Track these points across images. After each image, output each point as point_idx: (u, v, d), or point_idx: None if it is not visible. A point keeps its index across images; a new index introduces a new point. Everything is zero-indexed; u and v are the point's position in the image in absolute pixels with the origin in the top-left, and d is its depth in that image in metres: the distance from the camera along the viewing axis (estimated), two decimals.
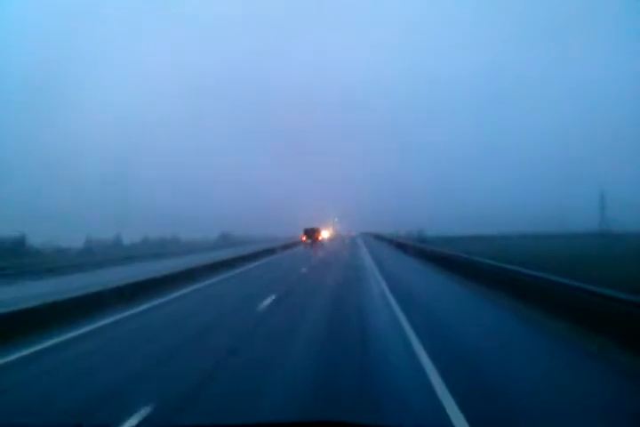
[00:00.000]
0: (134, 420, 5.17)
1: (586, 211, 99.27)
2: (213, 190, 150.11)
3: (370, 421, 4.36)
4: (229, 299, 15.89)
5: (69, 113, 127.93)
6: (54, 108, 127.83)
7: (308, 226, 63.45)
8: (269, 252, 41.82)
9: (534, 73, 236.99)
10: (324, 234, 70.14)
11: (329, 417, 2.59)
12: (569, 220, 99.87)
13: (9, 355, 8.47)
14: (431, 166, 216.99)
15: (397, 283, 17.73)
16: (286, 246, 53.47)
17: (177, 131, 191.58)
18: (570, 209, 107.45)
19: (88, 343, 9.58)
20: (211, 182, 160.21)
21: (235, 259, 30.88)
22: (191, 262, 25.50)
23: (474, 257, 18.42)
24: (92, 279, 20.19)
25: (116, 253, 49.94)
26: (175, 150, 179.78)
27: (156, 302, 14.74)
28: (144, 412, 5.37)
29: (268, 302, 13.74)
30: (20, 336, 9.51)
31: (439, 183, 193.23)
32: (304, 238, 60.85)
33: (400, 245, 46.50)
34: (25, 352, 8.71)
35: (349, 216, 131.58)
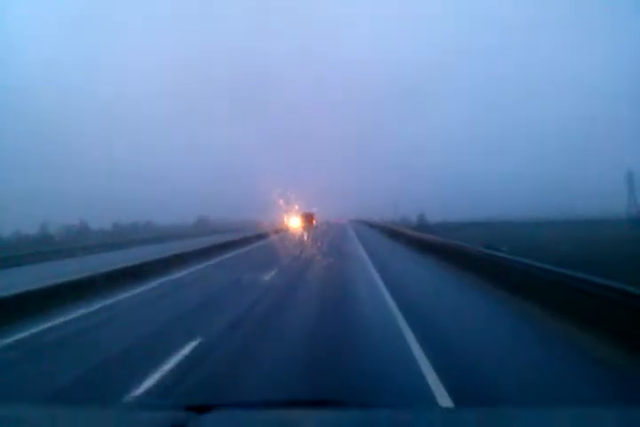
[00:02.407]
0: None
1: (593, 195, 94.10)
2: (191, 174, 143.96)
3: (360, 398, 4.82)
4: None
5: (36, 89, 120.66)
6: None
7: (296, 212, 63.66)
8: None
9: (543, 58, 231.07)
10: (293, 222, 60.80)
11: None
12: (577, 204, 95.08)
13: None
14: (429, 150, 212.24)
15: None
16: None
17: (149, 111, 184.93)
18: (577, 193, 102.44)
19: None
20: (188, 166, 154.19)
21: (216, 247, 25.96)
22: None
23: (521, 260, 11.45)
24: None
25: (72, 242, 43.40)
26: (149, 131, 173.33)
27: None
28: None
29: None
30: None
31: (438, 168, 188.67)
32: (298, 222, 62.21)
33: (397, 236, 33.99)
34: None
35: (340, 202, 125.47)
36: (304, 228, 58.49)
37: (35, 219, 60.65)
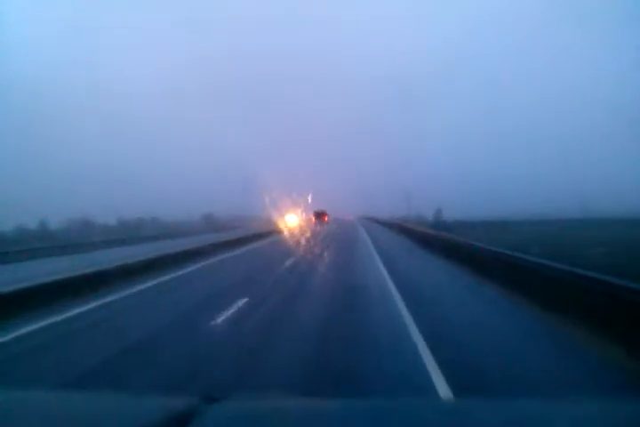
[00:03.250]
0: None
1: (607, 193, 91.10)
2: (198, 171, 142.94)
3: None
4: None
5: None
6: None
7: (306, 210, 67.28)
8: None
9: (546, 58, 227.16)
10: (293, 219, 59.46)
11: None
12: (591, 203, 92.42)
13: None
14: (440, 146, 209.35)
15: None
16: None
17: (155, 108, 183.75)
18: (590, 191, 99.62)
19: None
20: (195, 162, 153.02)
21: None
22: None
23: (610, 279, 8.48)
24: None
25: (76, 238, 41.84)
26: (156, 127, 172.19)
27: None
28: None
29: None
30: None
31: (450, 164, 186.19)
32: (313, 219, 69.09)
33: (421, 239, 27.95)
34: None
35: (350, 199, 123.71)
36: (316, 223, 65.35)
37: (36, 214, 59.41)
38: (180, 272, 17.59)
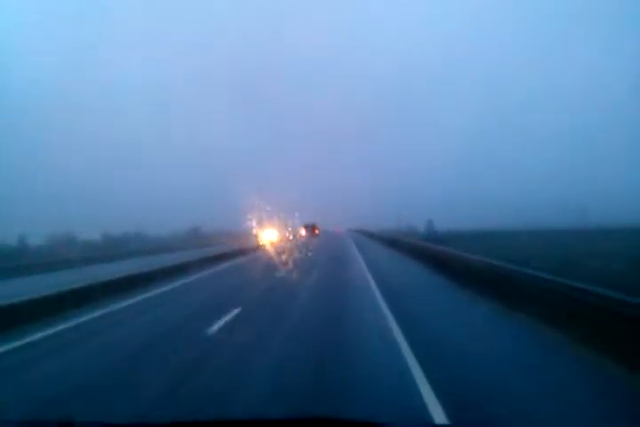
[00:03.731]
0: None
1: (607, 201, 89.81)
2: (185, 185, 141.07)
3: (360, 415, 4.42)
4: None
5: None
6: None
7: (294, 224, 65.55)
8: None
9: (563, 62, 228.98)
10: (274, 234, 54.08)
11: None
12: (590, 212, 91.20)
13: None
14: (430, 158, 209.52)
15: None
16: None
17: (138, 119, 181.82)
18: (588, 200, 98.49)
19: None
20: (182, 177, 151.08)
21: None
22: None
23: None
24: None
25: (55, 255, 39.53)
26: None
27: None
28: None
29: None
30: None
31: (439, 176, 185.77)
32: (303, 233, 67.61)
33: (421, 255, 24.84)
34: None
35: (339, 211, 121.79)
36: (307, 237, 64.40)
37: (18, 229, 56.98)
38: (148, 295, 15.59)
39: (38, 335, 9.97)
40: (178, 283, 18.63)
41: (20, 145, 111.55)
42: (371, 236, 66.29)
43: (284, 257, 27.86)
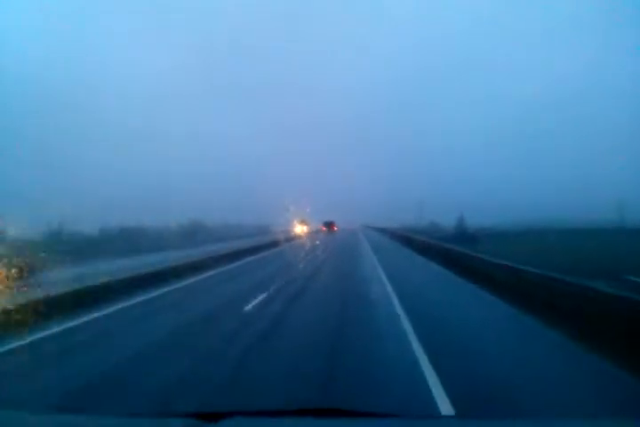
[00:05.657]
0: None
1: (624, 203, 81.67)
2: (200, 180, 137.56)
3: (365, 406, 4.50)
4: None
5: None
6: None
7: (300, 218, 74.10)
8: None
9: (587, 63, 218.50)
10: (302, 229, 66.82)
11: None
12: (628, 209, 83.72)
13: None
14: (455, 152, 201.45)
15: None
16: None
17: (143, 110, 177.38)
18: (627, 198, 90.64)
19: None
20: (196, 172, 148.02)
21: None
22: None
23: None
24: None
25: None
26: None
27: None
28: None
29: None
30: None
31: (458, 172, 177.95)
32: (323, 228, 76.81)
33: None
34: None
35: (358, 208, 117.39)
36: (326, 232, 72.48)
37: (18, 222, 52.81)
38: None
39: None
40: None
41: (17, 139, 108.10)
42: (382, 230, 69.24)
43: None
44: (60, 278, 14.95)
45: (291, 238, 47.79)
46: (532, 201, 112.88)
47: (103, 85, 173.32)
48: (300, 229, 64.89)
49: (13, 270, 12.16)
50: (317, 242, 39.95)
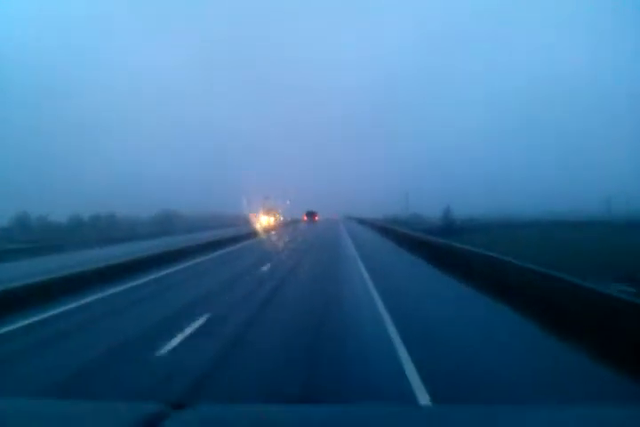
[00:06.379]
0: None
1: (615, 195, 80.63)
2: (180, 167, 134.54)
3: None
4: None
5: None
6: None
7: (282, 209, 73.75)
8: None
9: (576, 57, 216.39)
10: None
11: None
12: (615, 202, 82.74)
13: None
14: (440, 143, 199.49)
15: None
16: None
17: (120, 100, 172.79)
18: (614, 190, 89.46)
19: None
20: (179, 160, 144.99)
21: None
22: None
23: None
24: None
25: None
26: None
27: None
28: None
29: None
30: None
31: (450, 162, 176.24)
32: (305, 218, 76.63)
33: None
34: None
35: (335, 199, 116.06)
36: (308, 222, 69.78)
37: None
38: None
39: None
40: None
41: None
42: (361, 221, 65.65)
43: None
44: None
45: (241, 236, 30.08)
46: (519, 194, 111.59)
47: (82, 74, 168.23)
48: (265, 220, 50.68)
49: None
50: (283, 240, 29.15)
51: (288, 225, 54.88)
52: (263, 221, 50.16)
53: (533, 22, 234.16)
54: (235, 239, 27.13)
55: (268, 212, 56.78)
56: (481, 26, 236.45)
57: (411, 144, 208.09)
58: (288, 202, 74.36)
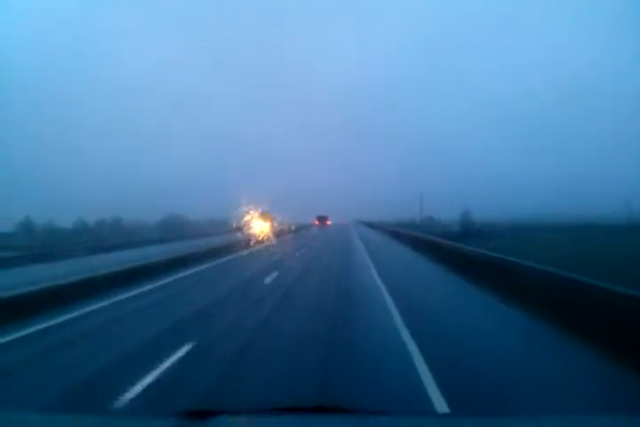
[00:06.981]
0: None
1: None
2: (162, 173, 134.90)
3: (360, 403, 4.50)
4: None
5: None
6: None
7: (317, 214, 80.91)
8: None
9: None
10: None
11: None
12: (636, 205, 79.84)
13: None
14: (457, 146, 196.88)
15: None
16: None
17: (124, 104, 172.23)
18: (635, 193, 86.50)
19: None
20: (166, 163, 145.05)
21: None
22: None
23: None
24: None
25: None
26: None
27: None
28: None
29: None
30: None
31: (467, 166, 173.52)
32: (316, 222, 79.21)
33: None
34: None
35: (344, 202, 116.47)
36: (319, 226, 74.98)
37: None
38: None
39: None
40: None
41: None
42: (370, 225, 72.51)
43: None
44: None
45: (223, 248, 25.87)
46: (536, 197, 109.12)
47: (91, 77, 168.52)
48: (258, 227, 38.27)
49: None
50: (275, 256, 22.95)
51: (288, 233, 47.27)
52: (256, 227, 38.93)
53: (546, 23, 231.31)
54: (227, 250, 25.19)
55: (263, 216, 41.67)
56: (492, 25, 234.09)
57: (421, 147, 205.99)
58: (290, 206, 67.69)
